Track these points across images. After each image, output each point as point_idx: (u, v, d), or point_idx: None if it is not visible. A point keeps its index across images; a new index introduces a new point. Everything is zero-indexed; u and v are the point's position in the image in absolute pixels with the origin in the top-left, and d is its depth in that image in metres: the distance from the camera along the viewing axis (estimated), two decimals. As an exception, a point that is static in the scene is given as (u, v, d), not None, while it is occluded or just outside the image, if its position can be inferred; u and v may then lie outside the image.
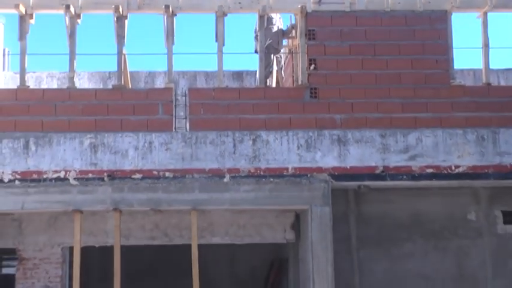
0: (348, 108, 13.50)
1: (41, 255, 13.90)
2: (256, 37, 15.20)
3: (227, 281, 18.36)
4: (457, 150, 13.47)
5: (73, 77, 13.38)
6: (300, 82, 13.73)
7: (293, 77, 15.05)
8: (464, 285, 14.50)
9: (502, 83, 15.67)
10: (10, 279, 14.63)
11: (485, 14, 13.82)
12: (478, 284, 14.51)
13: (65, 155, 12.95)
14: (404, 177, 13.46)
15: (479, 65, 14.40)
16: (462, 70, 16.40)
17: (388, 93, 13.60)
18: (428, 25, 13.83)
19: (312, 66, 13.56)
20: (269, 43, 14.91)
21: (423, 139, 13.48)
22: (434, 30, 13.82)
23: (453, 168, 13.43)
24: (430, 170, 13.43)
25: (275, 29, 15.52)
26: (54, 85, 17.15)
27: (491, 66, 14.12)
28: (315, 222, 13.13)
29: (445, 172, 13.45)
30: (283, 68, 16.29)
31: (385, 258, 14.48)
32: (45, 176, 12.87)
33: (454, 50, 13.82)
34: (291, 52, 15.74)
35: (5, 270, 17.90)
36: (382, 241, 14.50)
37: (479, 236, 14.62)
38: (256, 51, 15.22)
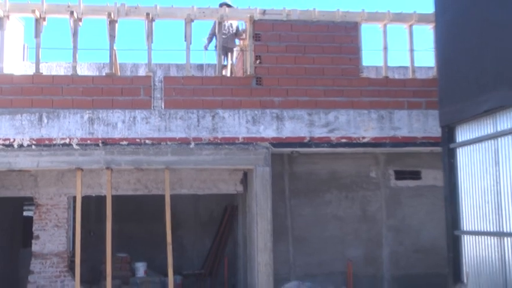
0: (284, 93, 13.69)
1: (52, 202, 14.26)
2: (209, 37, 15.35)
3: (192, 222, 18.31)
4: (363, 125, 13.79)
5: (75, 66, 13.41)
6: (248, 73, 13.84)
7: (243, 68, 15.06)
8: (366, 224, 15.19)
9: (396, 77, 15.79)
10: (30, 220, 14.86)
11: (385, 25, 14.18)
12: (376, 222, 15.21)
13: (69, 126, 13.02)
14: (325, 145, 13.72)
15: (380, 62, 14.65)
16: (368, 66, 16.47)
17: (314, 82, 13.77)
18: (344, 32, 13.93)
19: (258, 61, 13.66)
20: (225, 42, 14.84)
21: (339, 117, 13.74)
22: (349, 36, 13.94)
23: (361, 139, 13.78)
24: (344, 140, 13.73)
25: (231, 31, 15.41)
26: (61, 72, 16.96)
27: (388, 64, 14.40)
28: (258, 179, 13.46)
29: (355, 142, 13.76)
30: (236, 62, 16.27)
31: (310, 205, 15.02)
32: (54, 142, 12.94)
33: (362, 51, 14.01)
34: (242, 50, 15.53)
35: (25, 213, 18.28)
36: (308, 192, 15.07)
37: (377, 189, 15.31)
38: (206, 48, 15.52)
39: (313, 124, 13.78)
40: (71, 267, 14.00)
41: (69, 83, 13.27)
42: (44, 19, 13.33)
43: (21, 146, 12.97)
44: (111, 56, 13.61)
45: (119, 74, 14.68)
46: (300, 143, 13.73)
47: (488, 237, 9.95)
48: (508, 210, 9.43)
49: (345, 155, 15.02)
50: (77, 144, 13.12)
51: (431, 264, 14.73)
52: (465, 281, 10.10)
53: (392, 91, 14.08)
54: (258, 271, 13.33)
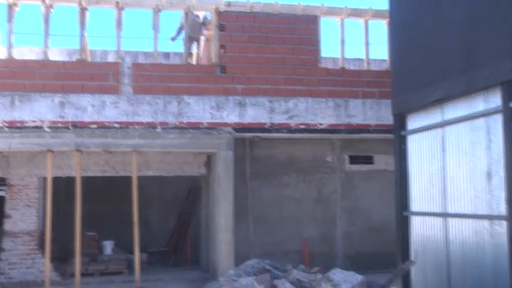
0: (246, 81, 13.69)
1: (23, 183, 14.08)
2: (178, 30, 15.22)
3: (157, 202, 18.32)
4: (321, 113, 13.90)
5: (47, 52, 13.16)
6: (213, 61, 13.82)
7: (208, 57, 14.96)
8: (322, 205, 15.32)
9: (352, 68, 15.63)
10: (2, 200, 14.60)
11: (342, 19, 14.25)
12: (331, 204, 15.35)
13: (41, 109, 12.83)
14: (285, 131, 13.81)
15: (337, 54, 14.67)
16: (326, 58, 16.40)
17: (275, 71, 13.82)
18: (304, 25, 14.00)
19: (222, 50, 13.68)
20: (192, 32, 14.70)
21: (298, 104, 13.82)
22: (308, 29, 14.01)
23: (318, 125, 13.88)
24: (302, 126, 13.83)
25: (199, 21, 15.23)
26: (33, 57, 16.36)
27: (345, 56, 14.49)
28: (221, 162, 13.49)
29: (313, 128, 13.88)
30: (201, 50, 15.95)
31: (269, 187, 15.07)
32: (26, 125, 12.76)
33: (321, 43, 14.08)
34: (207, 39, 15.38)
35: (-1, 193, 17.98)
36: (267, 175, 15.10)
37: (333, 172, 15.44)
38: (173, 40, 15.40)
39: (274, 111, 13.79)
40: (42, 246, 13.87)
41: (41, 68, 13.09)
42: (16, 5, 13.13)
43: (-7, 128, 12.73)
44: (81, 42, 13.45)
45: (89, 60, 14.42)
46: (261, 128, 13.80)
47: (434, 218, 10.12)
48: (452, 193, 9.59)
49: (303, 141, 15.09)
50: (48, 127, 12.95)
51: (381, 242, 14.92)
52: (413, 258, 10.24)
53: (348, 81, 14.20)
54: (220, 249, 13.39)
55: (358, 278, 6.88)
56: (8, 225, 14.05)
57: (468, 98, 9.25)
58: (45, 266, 13.19)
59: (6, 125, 12.76)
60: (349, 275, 6.94)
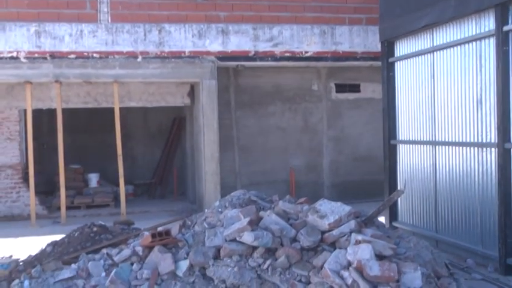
0: (229, 7, 13.24)
1: (3, 115, 13.71)
2: None
3: (141, 134, 18.06)
4: (306, 40, 13.54)
5: None
6: None
7: None
8: (308, 134, 15.11)
9: None
10: None
11: None
12: (317, 133, 15.14)
13: (16, 39, 12.39)
14: (270, 59, 13.51)
15: None
16: None
17: None
18: None
19: None
20: None
21: (283, 32, 13.44)
22: None
23: (303, 53, 13.55)
24: (287, 54, 13.52)
25: None
26: None
27: None
28: (205, 91, 13.22)
29: (298, 56, 13.56)
30: None
31: (254, 116, 14.82)
32: (1, 56, 12.35)
33: None
34: None
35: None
36: (253, 104, 14.81)
37: (319, 101, 15.14)
38: None
39: (258, 38, 13.45)
40: (26, 179, 13.63)
41: (14, -4, 12.52)
42: None
43: (-33, 59, 12.31)
44: (55, -31, 12.82)
45: (65, -14, 13.86)
46: (245, 56, 13.48)
47: (423, 146, 9.91)
48: (441, 121, 9.35)
49: (289, 69, 14.74)
50: (24, 58, 12.55)
51: (368, 171, 14.79)
52: (402, 187, 10.08)
53: (334, 7, 13.78)
54: (206, 180, 13.27)
55: (346, 209, 6.64)
56: (-11, 159, 13.79)
57: (459, 22, 8.87)
58: (30, 200, 12.99)
59: (-19, 56, 12.31)
60: (337, 206, 6.70)
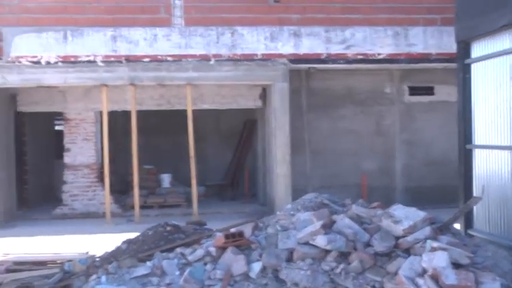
0: (301, 10, 13.31)
1: (80, 117, 14.20)
2: None
3: (213, 136, 18.22)
4: (379, 42, 13.45)
5: None
6: None
7: None
8: (380, 137, 14.97)
9: None
10: (62, 134, 14.85)
11: None
12: (389, 136, 14.98)
13: (93, 43, 12.85)
14: (342, 61, 13.47)
15: None
16: None
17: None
18: None
19: None
20: None
21: (356, 34, 13.40)
22: None
23: (376, 55, 13.47)
24: (360, 57, 13.47)
25: None
26: None
27: None
28: (277, 94, 13.28)
29: (371, 58, 13.49)
30: None
31: (326, 119, 14.79)
32: (79, 59, 12.80)
33: None
34: None
35: (57, 127, 18.23)
36: (324, 107, 14.77)
37: (391, 104, 14.97)
38: None
39: (330, 41, 13.44)
40: (101, 178, 14.06)
41: (92, 2, 13.05)
42: None
43: (48, 63, 12.87)
44: (131, -25, 13.18)
45: (139, -8, 14.19)
46: (317, 59, 13.50)
47: (500, 151, 9.56)
48: (521, 125, 9.01)
49: (361, 71, 14.62)
50: (101, 61, 12.97)
51: (442, 176, 14.45)
52: (480, 194, 9.76)
53: (408, 8, 13.63)
54: (277, 182, 13.32)
55: (421, 214, 6.52)
56: (67, 159, 14.32)
57: (541, 22, 8.52)
58: (105, 198, 13.38)
59: (61, 59, 12.86)
60: (411, 212, 6.59)
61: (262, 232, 6.98)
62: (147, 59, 12.99)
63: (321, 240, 6.23)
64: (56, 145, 17.13)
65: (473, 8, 10.21)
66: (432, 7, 13.62)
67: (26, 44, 12.80)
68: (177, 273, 6.65)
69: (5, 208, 13.22)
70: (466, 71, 10.56)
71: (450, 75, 13.42)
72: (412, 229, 6.36)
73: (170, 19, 13.05)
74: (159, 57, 13.01)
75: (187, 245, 7.41)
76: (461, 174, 10.60)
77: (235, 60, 13.13)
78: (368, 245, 6.34)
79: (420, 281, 5.70)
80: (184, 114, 13.68)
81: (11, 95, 13.94)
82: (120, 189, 15.82)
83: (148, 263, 6.90)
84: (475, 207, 10.25)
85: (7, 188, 13.44)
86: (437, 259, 5.76)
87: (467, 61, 10.52)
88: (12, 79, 12.82)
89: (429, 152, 14.98)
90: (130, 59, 12.97)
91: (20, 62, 12.80)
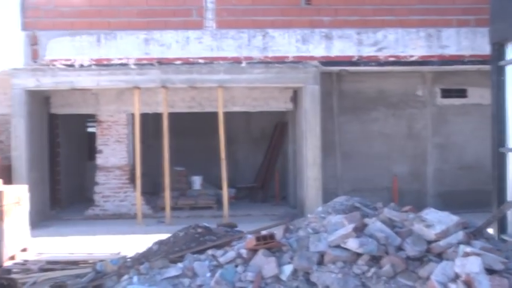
0: (333, 12, 13.33)
1: (112, 119, 14.36)
2: None
3: (244, 138, 18.35)
4: (411, 44, 13.40)
5: None
6: None
7: None
8: (412, 141, 14.84)
9: None
10: (94, 135, 15.08)
11: None
12: (421, 140, 14.83)
13: (126, 46, 13.03)
14: (373, 64, 13.48)
15: None
16: None
17: (363, 1, 13.46)
18: None
19: None
20: None
21: (388, 36, 13.38)
22: None
23: (408, 57, 13.43)
24: (392, 59, 13.45)
25: None
26: None
27: None
28: (308, 96, 13.26)
29: (403, 60, 13.47)
30: None
31: (357, 122, 14.72)
32: (112, 62, 12.97)
33: None
34: None
35: (89, 129, 18.45)
36: (356, 110, 14.71)
37: (424, 107, 14.81)
38: None
39: (362, 43, 13.43)
40: (133, 180, 14.18)
41: (125, 5, 13.24)
42: None
43: (81, 66, 13.07)
44: (164, -22, 13.33)
45: (172, -5, 14.35)
46: (348, 61, 13.52)
47: (536, 155, 9.42)
48: (557, 128, 8.86)
49: (393, 74, 14.53)
50: (133, 64, 13.11)
51: (474, 180, 14.27)
52: (512, 199, 9.61)
53: (441, 9, 13.55)
54: (307, 185, 13.30)
55: (454, 219, 6.44)
56: (99, 160, 14.49)
57: None
58: (136, 199, 13.50)
59: (94, 62, 13.05)
60: (444, 216, 6.52)
61: (293, 235, 6.97)
62: (178, 62, 13.10)
63: (352, 244, 6.20)
64: (88, 147, 17.41)
65: (509, 9, 10.06)
66: (466, 8, 13.53)
67: (60, 48, 13.03)
68: (208, 275, 6.68)
69: (38, 208, 13.38)
70: (500, 73, 10.40)
71: (483, 77, 13.31)
72: (445, 234, 6.29)
73: (202, 22, 13.17)
74: (191, 59, 13.12)
75: (218, 247, 7.44)
76: (494, 178, 10.43)
77: (266, 62, 13.18)
78: (400, 249, 6.28)
79: (453, 287, 5.63)
80: (214, 116, 13.74)
81: (45, 97, 14.14)
82: (151, 191, 15.92)
83: (180, 264, 6.95)
84: (509, 212, 10.10)
85: (41, 188, 13.63)
86: (470, 264, 5.69)
87: (501, 63, 10.37)
88: (46, 82, 13.00)
89: (462, 155, 14.80)
90: (162, 62, 13.09)
91: (54, 65, 13.01)
